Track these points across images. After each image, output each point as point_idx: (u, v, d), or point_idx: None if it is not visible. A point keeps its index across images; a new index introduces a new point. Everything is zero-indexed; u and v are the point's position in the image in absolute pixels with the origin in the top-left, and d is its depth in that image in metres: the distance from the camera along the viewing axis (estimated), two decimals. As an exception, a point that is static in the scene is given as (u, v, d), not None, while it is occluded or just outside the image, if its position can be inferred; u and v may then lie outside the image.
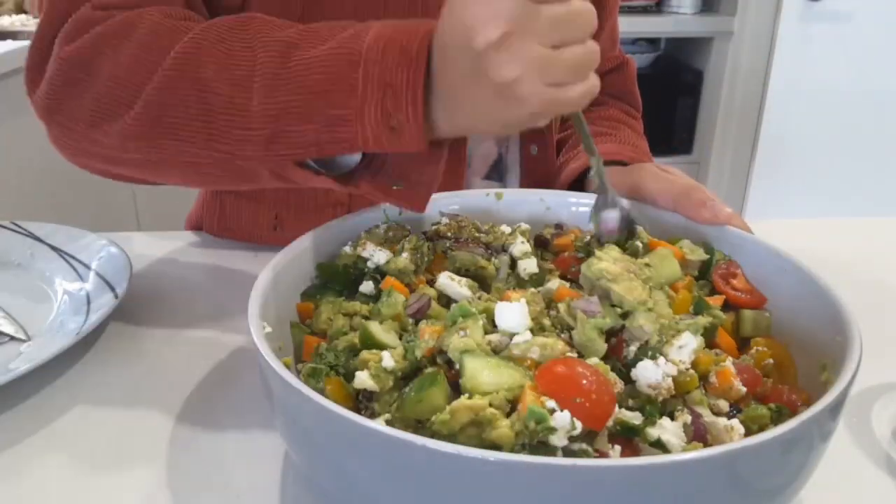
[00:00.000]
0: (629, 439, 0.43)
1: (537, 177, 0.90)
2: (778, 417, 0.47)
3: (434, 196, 0.66)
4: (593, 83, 0.51)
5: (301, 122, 0.54)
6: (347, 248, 0.60)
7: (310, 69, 0.53)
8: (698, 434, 0.44)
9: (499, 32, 0.46)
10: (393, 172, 0.57)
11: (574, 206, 0.67)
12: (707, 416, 0.46)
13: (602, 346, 0.48)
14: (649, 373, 0.46)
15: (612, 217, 0.61)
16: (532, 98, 0.48)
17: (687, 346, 0.49)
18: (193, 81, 0.56)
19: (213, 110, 0.55)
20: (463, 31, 0.48)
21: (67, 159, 0.66)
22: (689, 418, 0.45)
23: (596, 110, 0.97)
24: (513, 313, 0.48)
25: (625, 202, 0.62)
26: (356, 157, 0.58)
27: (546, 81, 0.48)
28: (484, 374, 0.44)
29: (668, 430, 0.43)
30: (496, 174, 0.91)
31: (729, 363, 0.49)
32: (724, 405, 0.47)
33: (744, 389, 0.48)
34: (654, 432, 0.43)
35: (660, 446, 0.43)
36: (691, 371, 0.48)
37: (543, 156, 0.90)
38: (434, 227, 0.63)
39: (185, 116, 0.56)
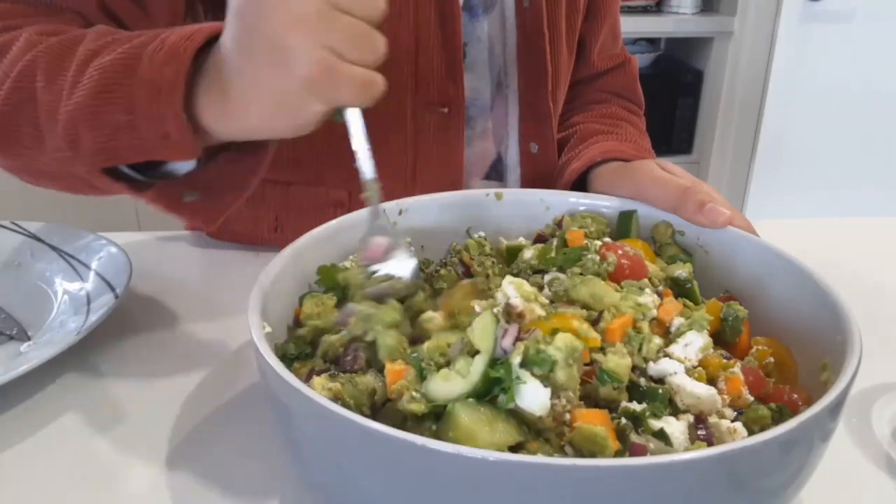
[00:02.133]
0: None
1: (538, 175, 0.90)
2: (779, 417, 0.47)
3: (433, 197, 0.66)
4: (375, 79, 0.49)
5: (89, 129, 0.54)
6: (348, 263, 0.59)
7: (97, 75, 0.53)
8: (705, 439, 0.44)
9: None
10: (196, 182, 0.57)
11: (574, 206, 0.67)
12: (711, 417, 0.46)
13: None
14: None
15: (378, 243, 0.57)
16: (303, 55, 0.47)
17: (693, 343, 0.49)
18: (30, 92, 0.57)
19: (39, 119, 0.57)
20: None
21: None
22: (691, 418, 0.45)
23: (597, 108, 0.97)
24: (536, 395, 0.42)
25: (400, 240, 0.57)
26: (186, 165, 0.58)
27: (322, 41, 0.47)
28: (483, 431, 0.41)
29: (672, 425, 0.44)
30: (495, 174, 0.91)
31: (738, 369, 0.49)
32: (729, 412, 0.47)
33: (751, 398, 0.48)
34: (656, 423, 0.43)
35: (663, 438, 0.43)
36: (699, 369, 0.48)
37: (544, 154, 0.90)
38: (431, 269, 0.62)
39: (26, 126, 0.58)
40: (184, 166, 0.58)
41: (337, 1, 0.47)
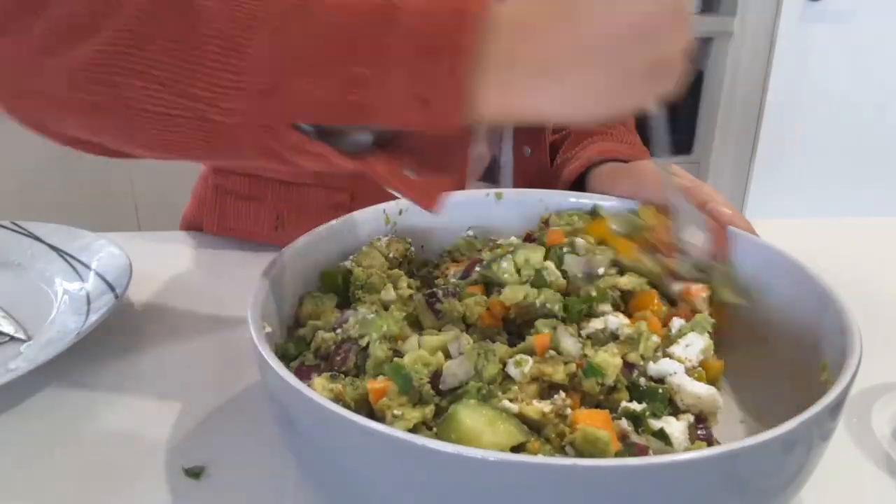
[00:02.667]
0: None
1: (530, 179, 0.90)
2: None
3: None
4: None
5: (309, 75, 0.43)
6: (348, 263, 0.59)
7: (331, 14, 0.43)
8: (705, 439, 0.45)
9: None
10: (407, 156, 0.47)
11: (574, 206, 0.67)
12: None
13: None
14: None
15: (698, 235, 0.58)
16: (674, 67, 0.43)
17: (693, 344, 0.49)
18: (186, 7, 0.45)
19: (202, 47, 0.44)
20: None
21: (3, 104, 0.52)
22: (691, 418, 0.45)
23: None
24: None
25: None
26: (364, 139, 0.48)
27: (678, 41, 0.43)
28: (486, 433, 0.41)
29: (672, 425, 0.44)
30: (490, 177, 0.91)
31: None
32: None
33: None
34: (656, 423, 0.43)
35: (663, 438, 0.43)
36: (699, 369, 0.48)
37: (536, 158, 0.90)
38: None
39: (164, 49, 0.45)
40: (361, 138, 0.47)
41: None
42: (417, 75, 0.42)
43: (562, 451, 0.43)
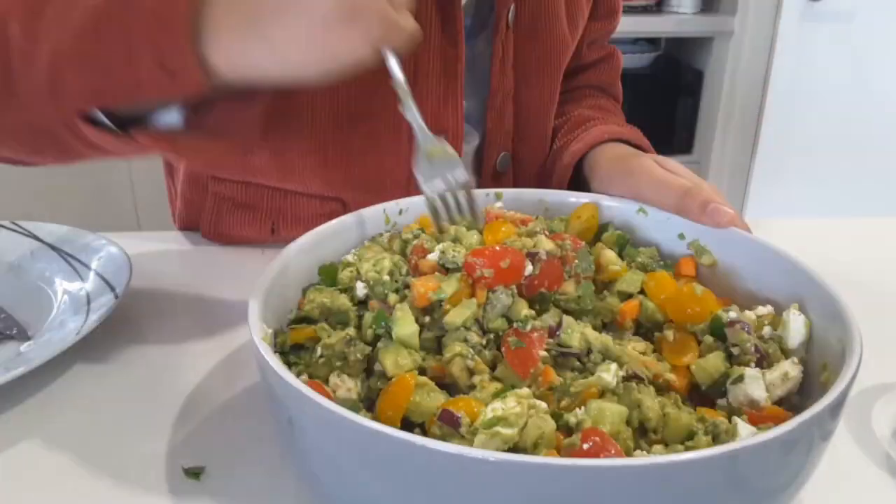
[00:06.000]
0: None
1: (529, 178, 0.89)
2: None
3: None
4: (418, 28, 0.49)
5: (77, 69, 0.50)
6: (350, 257, 0.59)
7: (88, 13, 0.49)
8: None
9: None
10: (195, 130, 0.53)
11: (574, 206, 0.67)
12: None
13: None
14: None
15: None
16: (372, 10, 0.45)
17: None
18: (3, 38, 0.53)
19: (11, 64, 0.52)
20: None
21: None
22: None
23: (586, 100, 0.96)
24: None
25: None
26: (172, 119, 0.54)
27: None
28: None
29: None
30: (490, 178, 0.91)
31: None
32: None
33: None
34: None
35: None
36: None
37: (533, 159, 0.90)
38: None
39: None
40: (166, 116, 0.54)
41: None
42: (158, 48, 0.47)
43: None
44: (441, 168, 0.56)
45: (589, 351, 0.49)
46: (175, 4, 0.47)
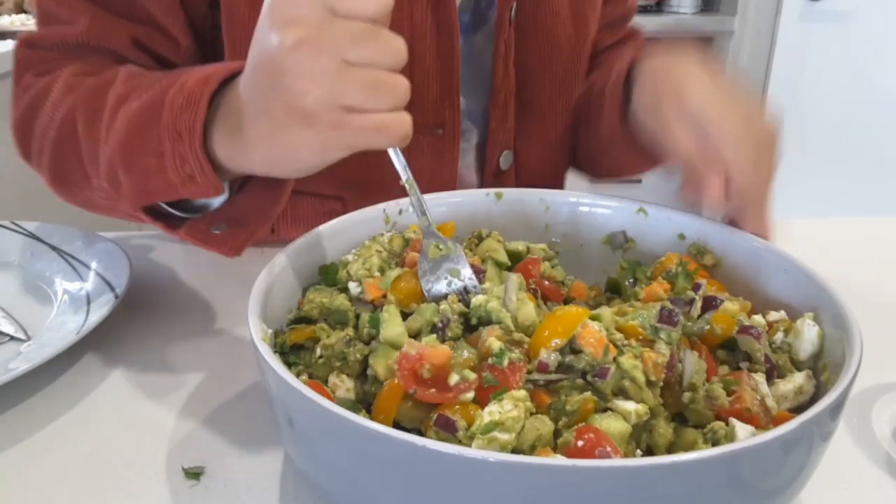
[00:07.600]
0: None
1: (532, 178, 0.89)
2: None
3: (433, 197, 0.66)
4: (391, 122, 0.47)
5: (125, 172, 0.58)
6: (350, 257, 0.59)
7: (126, 122, 0.58)
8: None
9: (294, 38, 0.45)
10: (223, 215, 0.60)
11: (574, 206, 0.67)
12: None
13: None
14: None
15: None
16: (320, 115, 0.46)
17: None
18: (73, 136, 0.64)
19: (84, 162, 0.64)
20: (262, 40, 0.47)
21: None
22: None
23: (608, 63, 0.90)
24: None
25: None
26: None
27: (337, 100, 0.45)
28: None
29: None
30: (493, 178, 0.90)
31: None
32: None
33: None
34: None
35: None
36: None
37: (537, 159, 0.90)
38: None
39: (75, 168, 0.65)
40: (216, 201, 0.60)
41: (352, 56, 0.45)
42: (178, 159, 0.54)
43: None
44: (441, 261, 0.55)
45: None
46: (186, 121, 0.53)
